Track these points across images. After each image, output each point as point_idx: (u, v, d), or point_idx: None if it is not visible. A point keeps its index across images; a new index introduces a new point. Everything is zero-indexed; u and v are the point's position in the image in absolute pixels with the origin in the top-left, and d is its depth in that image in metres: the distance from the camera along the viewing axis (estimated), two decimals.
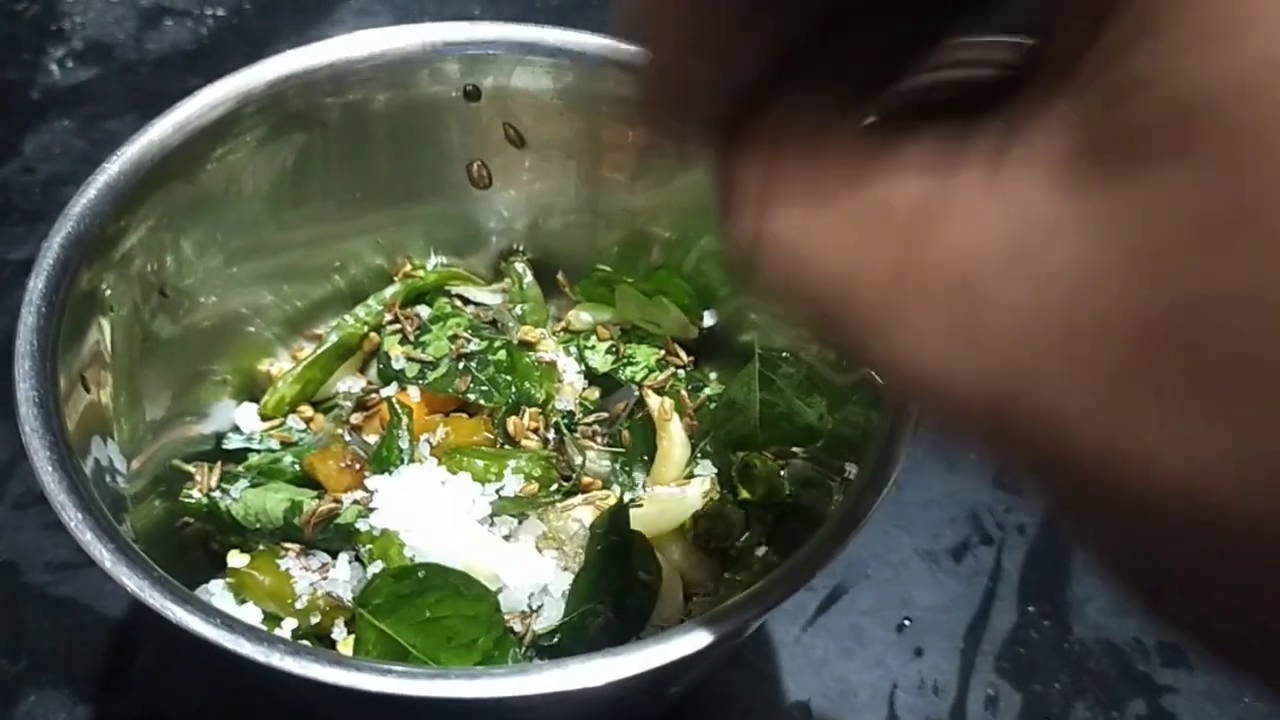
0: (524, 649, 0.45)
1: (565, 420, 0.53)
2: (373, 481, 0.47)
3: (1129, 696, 0.59)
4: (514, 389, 0.52)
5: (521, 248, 0.59)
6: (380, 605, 0.41)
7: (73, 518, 0.36)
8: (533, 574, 0.46)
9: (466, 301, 0.58)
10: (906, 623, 0.60)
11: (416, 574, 0.41)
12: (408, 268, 0.58)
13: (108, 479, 0.42)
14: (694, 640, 0.34)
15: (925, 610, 0.61)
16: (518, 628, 0.45)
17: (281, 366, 0.55)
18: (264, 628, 0.45)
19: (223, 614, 0.34)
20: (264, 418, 0.54)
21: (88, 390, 0.43)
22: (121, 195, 0.44)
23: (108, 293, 0.44)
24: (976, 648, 0.60)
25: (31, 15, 0.88)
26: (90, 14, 0.89)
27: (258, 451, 0.52)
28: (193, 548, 0.49)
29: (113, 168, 0.45)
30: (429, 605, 0.41)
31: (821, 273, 0.21)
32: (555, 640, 0.46)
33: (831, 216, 0.21)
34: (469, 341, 0.53)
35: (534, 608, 0.46)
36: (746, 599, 0.35)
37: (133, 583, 0.35)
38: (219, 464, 0.50)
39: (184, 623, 0.34)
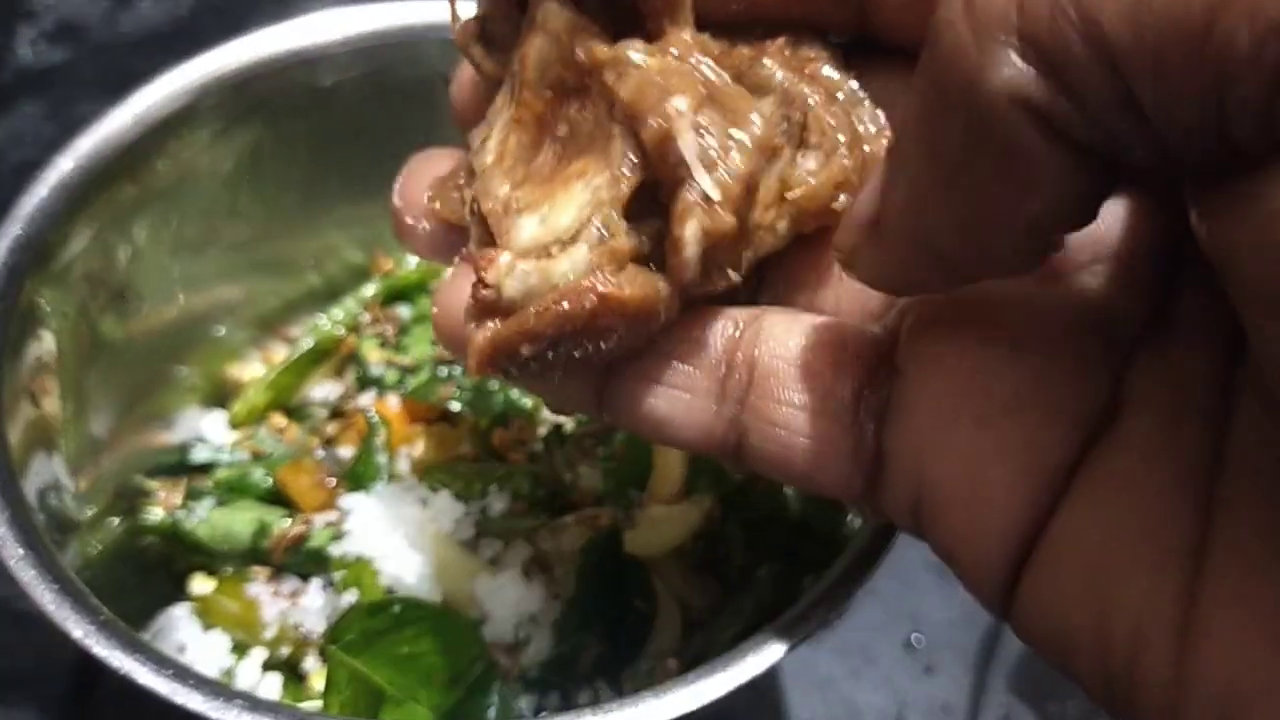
0: (510, 684, 0.42)
1: (554, 434, 0.50)
2: (346, 501, 0.44)
3: None
4: (501, 398, 0.49)
5: None
6: (353, 641, 0.38)
7: (13, 554, 0.33)
8: (520, 603, 0.42)
9: None
10: (916, 639, 0.57)
11: (391, 609, 0.37)
12: (389, 264, 0.54)
13: (52, 498, 0.39)
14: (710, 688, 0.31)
15: (935, 626, 0.58)
16: (504, 661, 0.42)
17: (252, 371, 0.52)
18: (231, 660, 0.43)
19: (176, 664, 0.31)
20: (234, 426, 0.51)
21: (35, 404, 0.39)
22: (73, 193, 0.41)
23: (54, 297, 0.41)
24: (989, 666, 0.57)
25: None
26: None
27: (226, 465, 0.49)
28: (155, 569, 0.46)
29: (66, 164, 0.41)
30: (406, 641, 0.37)
31: None
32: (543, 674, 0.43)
33: None
34: None
35: (521, 639, 0.43)
36: (780, 630, 0.34)
37: (78, 629, 0.32)
38: (184, 480, 0.46)
39: (131, 673, 0.31)
